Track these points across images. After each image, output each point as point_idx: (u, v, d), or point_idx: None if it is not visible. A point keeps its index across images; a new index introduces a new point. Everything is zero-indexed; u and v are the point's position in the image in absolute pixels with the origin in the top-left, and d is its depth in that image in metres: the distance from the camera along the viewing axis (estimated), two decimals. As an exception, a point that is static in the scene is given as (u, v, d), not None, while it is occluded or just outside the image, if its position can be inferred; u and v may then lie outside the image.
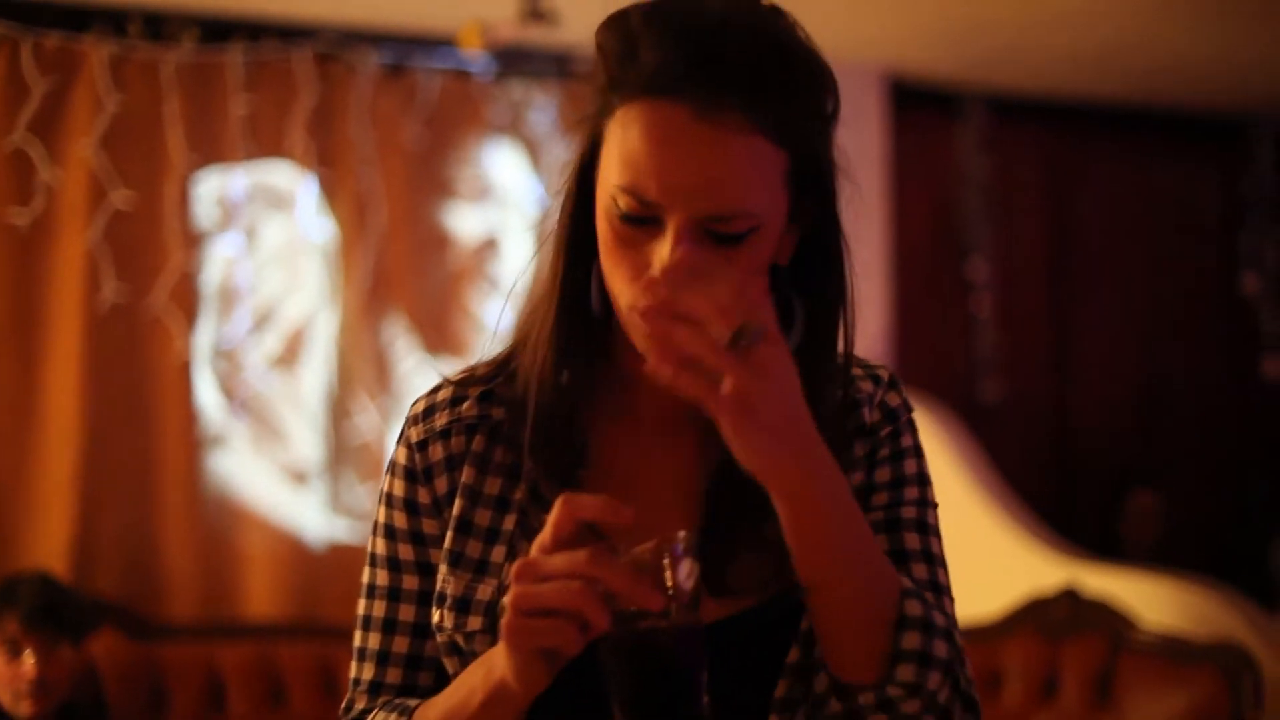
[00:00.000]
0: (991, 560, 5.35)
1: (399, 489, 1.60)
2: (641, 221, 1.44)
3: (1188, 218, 7.19)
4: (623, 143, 1.44)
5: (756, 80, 1.42)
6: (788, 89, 1.44)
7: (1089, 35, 5.89)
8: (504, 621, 1.31)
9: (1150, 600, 4.91)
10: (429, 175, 5.54)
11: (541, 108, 5.69)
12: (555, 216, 1.56)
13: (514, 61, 5.61)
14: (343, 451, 5.34)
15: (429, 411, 1.61)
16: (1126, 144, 7.04)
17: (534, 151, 5.69)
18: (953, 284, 6.60)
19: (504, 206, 5.66)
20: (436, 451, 1.58)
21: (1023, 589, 5.02)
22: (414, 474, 1.59)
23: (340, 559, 5.27)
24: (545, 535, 1.31)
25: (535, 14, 4.83)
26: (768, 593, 1.51)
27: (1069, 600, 4.83)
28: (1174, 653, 4.55)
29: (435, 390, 1.63)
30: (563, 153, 5.58)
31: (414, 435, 1.60)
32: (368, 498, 5.32)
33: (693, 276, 1.30)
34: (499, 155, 5.66)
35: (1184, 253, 7.17)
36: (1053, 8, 5.56)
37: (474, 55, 5.35)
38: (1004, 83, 6.56)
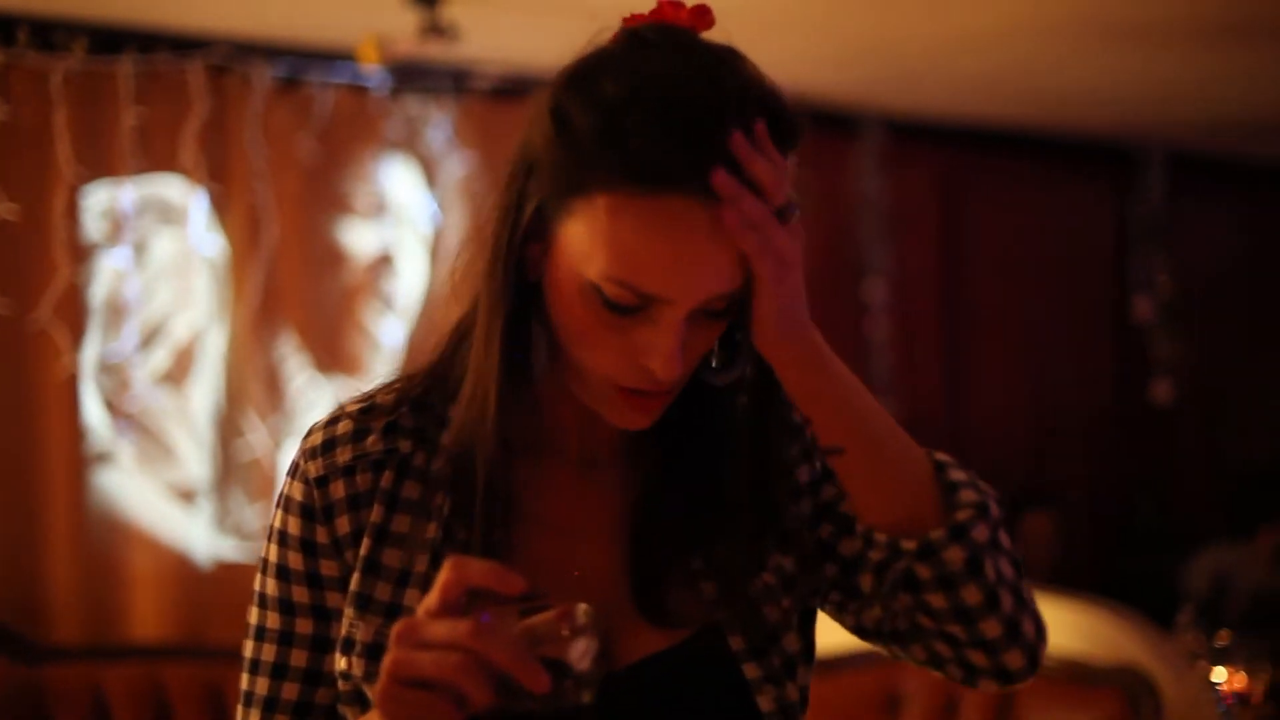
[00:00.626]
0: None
1: (294, 527, 1.50)
2: (630, 310, 1.38)
3: (1079, 242, 7.24)
4: (611, 232, 1.35)
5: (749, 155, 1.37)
6: (781, 150, 1.40)
7: (985, 60, 5.91)
8: (378, 687, 1.22)
9: (1050, 622, 4.91)
10: (323, 191, 5.46)
11: (437, 124, 5.64)
12: (487, 277, 1.45)
13: (410, 77, 5.55)
14: (232, 470, 5.26)
15: (329, 445, 1.50)
16: (1019, 167, 7.09)
17: (429, 168, 5.64)
18: (848, 306, 6.61)
19: (399, 223, 5.60)
20: (338, 489, 1.49)
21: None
22: (312, 511, 1.49)
23: (228, 578, 5.18)
24: (432, 599, 1.22)
25: (435, 29, 4.77)
26: (699, 624, 1.48)
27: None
28: (1075, 676, 4.55)
29: (334, 421, 1.53)
30: (457, 170, 5.62)
31: (312, 470, 1.50)
32: (257, 517, 5.24)
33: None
34: (394, 171, 5.59)
35: (1075, 276, 7.23)
36: (950, 33, 5.57)
37: (372, 70, 5.29)
38: (901, 105, 6.58)
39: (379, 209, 5.56)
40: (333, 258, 5.47)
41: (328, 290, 5.45)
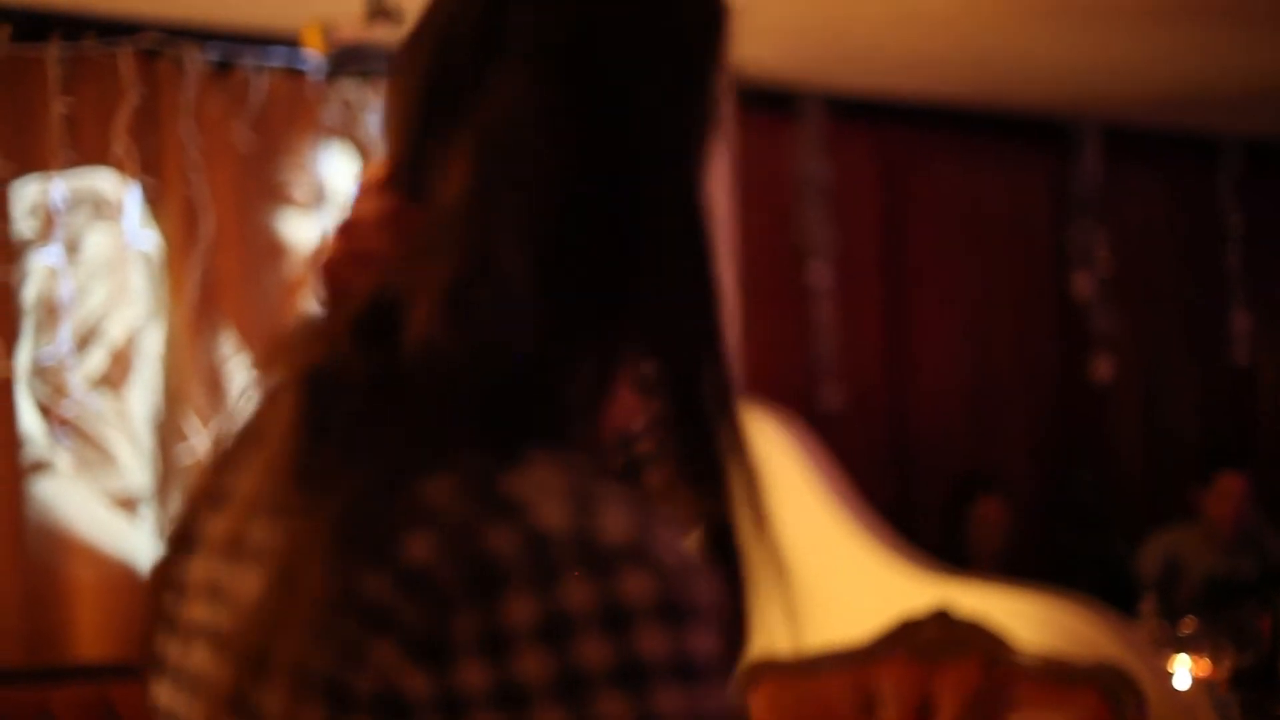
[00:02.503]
0: (854, 580, 5.24)
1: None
2: None
3: (1019, 219, 7.19)
4: None
5: None
6: None
7: (925, 39, 5.86)
8: None
9: (1022, 619, 4.83)
10: (260, 180, 5.27)
11: (375, 109, 5.44)
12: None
13: (346, 60, 5.35)
14: (174, 476, 5.05)
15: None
16: (959, 145, 7.02)
17: (368, 155, 5.44)
18: (792, 289, 6.50)
19: (337, 212, 5.39)
20: None
21: (886, 607, 4.92)
22: None
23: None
24: None
25: (381, 12, 4.59)
26: None
27: (941, 622, 4.71)
28: (1053, 675, 4.47)
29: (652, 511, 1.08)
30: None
31: None
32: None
33: None
34: (332, 158, 5.40)
35: (1015, 254, 7.18)
36: (891, 13, 5.51)
37: (316, 56, 5.09)
38: (840, 83, 6.49)
39: (318, 198, 5.36)
40: (272, 250, 5.28)
41: (268, 284, 5.25)
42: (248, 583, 1.04)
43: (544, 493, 0.95)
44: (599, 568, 0.93)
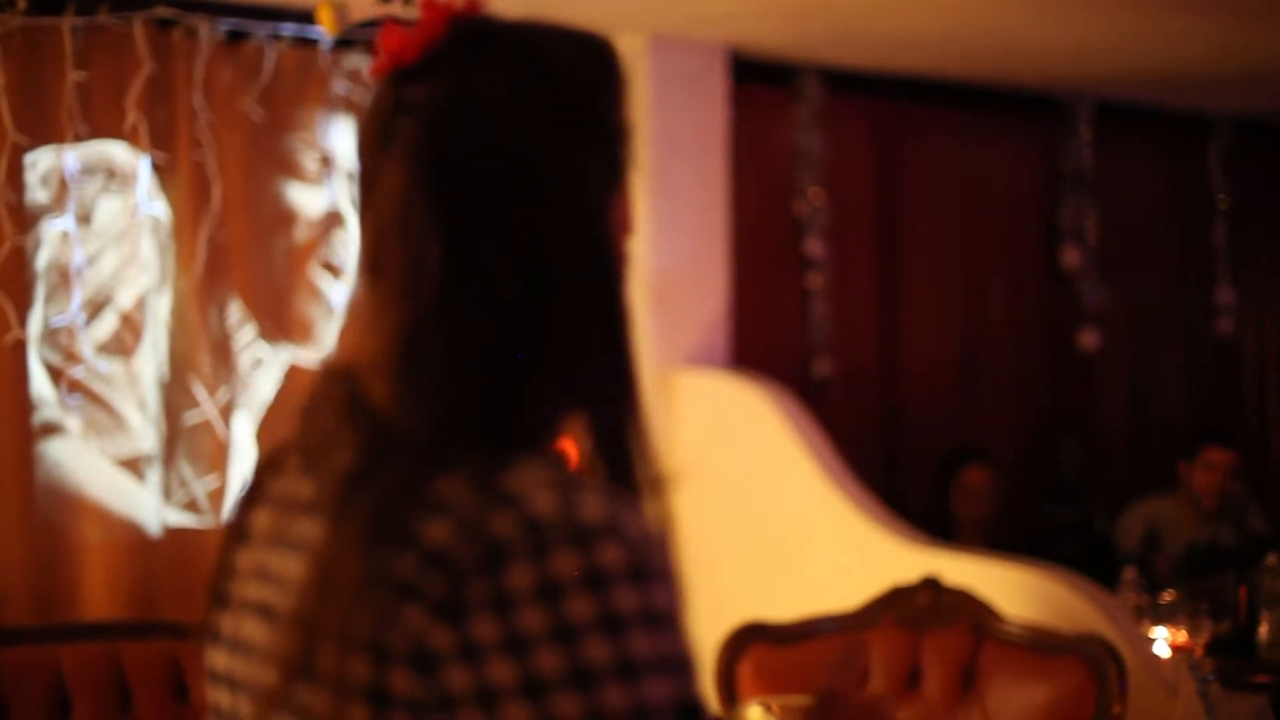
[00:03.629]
0: (845, 548, 5.35)
1: None
2: None
3: (1010, 193, 7.28)
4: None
5: None
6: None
7: (920, 17, 5.91)
8: None
9: (1007, 590, 4.95)
10: (269, 151, 5.33)
11: (380, 80, 5.51)
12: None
13: (353, 31, 5.42)
14: (180, 440, 5.14)
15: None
16: (952, 120, 7.10)
17: (374, 126, 5.51)
18: (790, 262, 6.58)
19: (346, 183, 5.48)
20: None
21: (875, 575, 5.03)
22: None
23: (181, 550, 5.08)
24: None
25: (396, -8, 4.65)
26: None
27: (930, 590, 4.82)
28: (1038, 644, 4.59)
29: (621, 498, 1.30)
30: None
31: None
32: (207, 488, 5.13)
33: None
34: (340, 129, 5.47)
35: (1007, 227, 7.27)
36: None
37: (328, 35, 5.16)
38: (836, 58, 6.55)
39: (325, 169, 5.44)
40: (280, 220, 5.35)
41: (275, 254, 5.33)
42: (289, 567, 1.30)
43: (535, 486, 1.21)
44: (581, 541, 1.18)
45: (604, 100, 1.38)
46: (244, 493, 1.45)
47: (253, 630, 1.34)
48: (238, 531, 1.42)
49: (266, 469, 1.44)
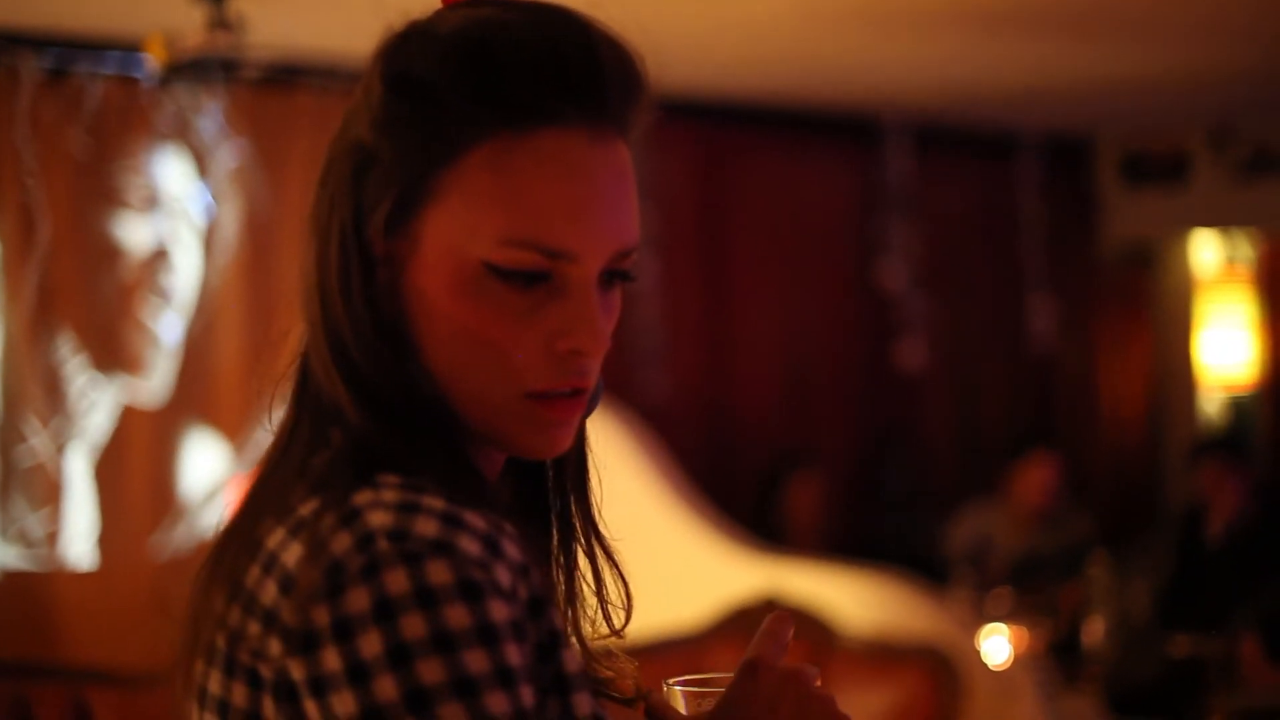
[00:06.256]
0: (685, 563, 5.42)
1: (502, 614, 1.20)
2: (533, 280, 1.25)
3: (831, 212, 7.43)
4: (499, 186, 1.23)
5: (629, 89, 1.29)
6: (646, 92, 1.32)
7: (750, 42, 6.00)
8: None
9: (846, 596, 5.05)
10: (95, 185, 5.32)
11: (207, 113, 5.52)
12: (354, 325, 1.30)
13: (186, 68, 5.41)
14: (14, 476, 5.09)
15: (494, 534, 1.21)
16: (774, 143, 7.22)
17: (201, 158, 5.51)
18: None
19: (173, 216, 5.47)
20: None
21: (717, 590, 5.11)
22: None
23: (15, 589, 5.02)
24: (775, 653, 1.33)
25: (222, 24, 4.67)
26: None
27: (770, 610, 4.90)
28: (878, 655, 4.70)
29: (460, 518, 1.20)
30: (229, 160, 5.51)
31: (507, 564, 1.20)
32: (41, 525, 5.08)
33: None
34: (166, 163, 5.46)
35: (828, 245, 7.41)
36: (710, 23, 5.66)
37: (156, 65, 5.15)
38: (663, 81, 6.62)
39: (152, 202, 5.42)
40: (108, 254, 5.33)
41: (105, 288, 5.30)
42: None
43: (378, 505, 1.18)
44: (411, 558, 1.14)
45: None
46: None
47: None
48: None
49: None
